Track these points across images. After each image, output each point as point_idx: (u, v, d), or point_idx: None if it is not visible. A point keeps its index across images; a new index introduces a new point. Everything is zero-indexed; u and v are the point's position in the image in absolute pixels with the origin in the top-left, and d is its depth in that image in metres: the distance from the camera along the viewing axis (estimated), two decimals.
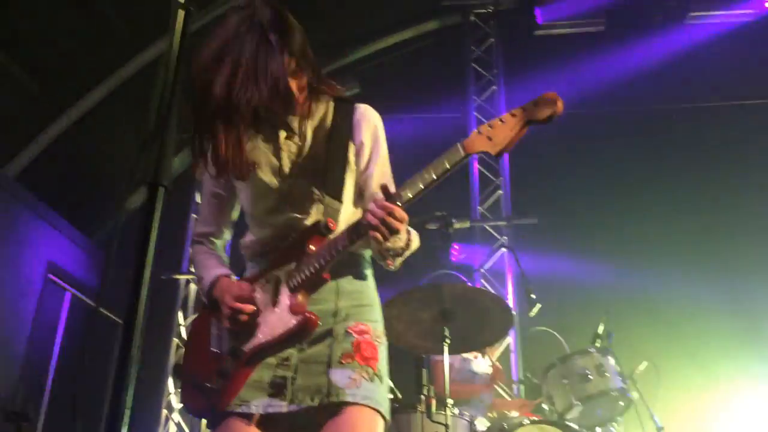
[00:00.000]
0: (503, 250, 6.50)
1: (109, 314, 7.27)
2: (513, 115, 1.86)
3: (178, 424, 6.90)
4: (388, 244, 1.96)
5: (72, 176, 7.18)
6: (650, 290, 6.43)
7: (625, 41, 7.68)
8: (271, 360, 2.05)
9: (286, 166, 2.15)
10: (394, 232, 1.89)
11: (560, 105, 1.82)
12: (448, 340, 3.50)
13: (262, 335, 2.04)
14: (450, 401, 3.41)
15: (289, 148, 2.16)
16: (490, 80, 7.52)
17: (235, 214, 2.38)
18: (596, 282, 6.52)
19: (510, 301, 6.19)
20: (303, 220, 2.14)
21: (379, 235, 1.88)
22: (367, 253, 2.24)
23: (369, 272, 2.23)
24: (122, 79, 6.75)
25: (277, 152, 2.15)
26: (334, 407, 1.95)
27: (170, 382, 6.96)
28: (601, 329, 4.32)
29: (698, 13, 7.69)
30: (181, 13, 1.24)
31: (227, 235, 2.40)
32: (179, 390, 6.96)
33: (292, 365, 2.03)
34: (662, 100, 7.29)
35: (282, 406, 1.98)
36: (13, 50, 5.94)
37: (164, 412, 6.82)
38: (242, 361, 2.05)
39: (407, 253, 2.10)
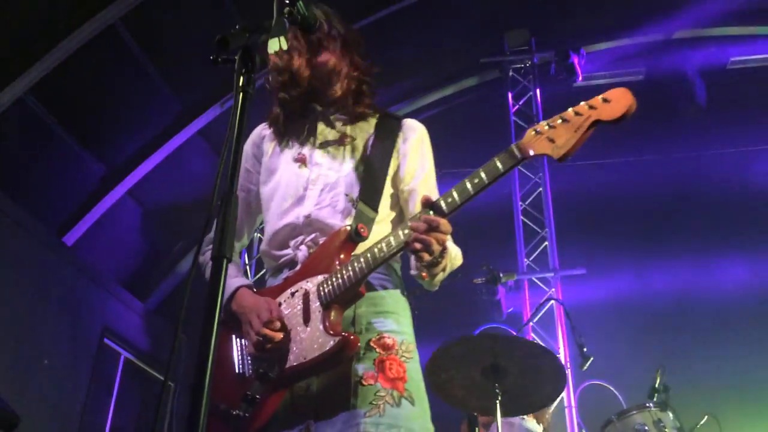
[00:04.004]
0: (552, 302, 6.42)
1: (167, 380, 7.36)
2: (578, 114, 1.64)
3: None
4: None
5: (124, 242, 7.40)
6: (708, 340, 6.25)
7: (666, 89, 7.66)
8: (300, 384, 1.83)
9: (320, 159, 2.04)
10: (440, 246, 1.68)
11: (633, 101, 1.57)
12: (499, 397, 3.34)
13: (294, 358, 1.79)
14: None
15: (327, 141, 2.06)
16: None
17: (258, 218, 2.18)
18: (650, 333, 6.39)
19: (561, 354, 6.08)
20: (332, 224, 1.93)
21: (426, 255, 1.67)
22: (396, 264, 2.05)
23: (397, 280, 2.01)
24: None
25: (313, 142, 2.07)
26: None
27: None
28: (657, 382, 4.21)
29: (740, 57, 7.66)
30: (241, 97, 1.30)
31: (246, 239, 2.19)
32: None
33: (316, 384, 1.82)
34: (705, 148, 7.22)
35: None
36: None
37: None
38: (271, 385, 1.80)
39: (447, 270, 1.86)
